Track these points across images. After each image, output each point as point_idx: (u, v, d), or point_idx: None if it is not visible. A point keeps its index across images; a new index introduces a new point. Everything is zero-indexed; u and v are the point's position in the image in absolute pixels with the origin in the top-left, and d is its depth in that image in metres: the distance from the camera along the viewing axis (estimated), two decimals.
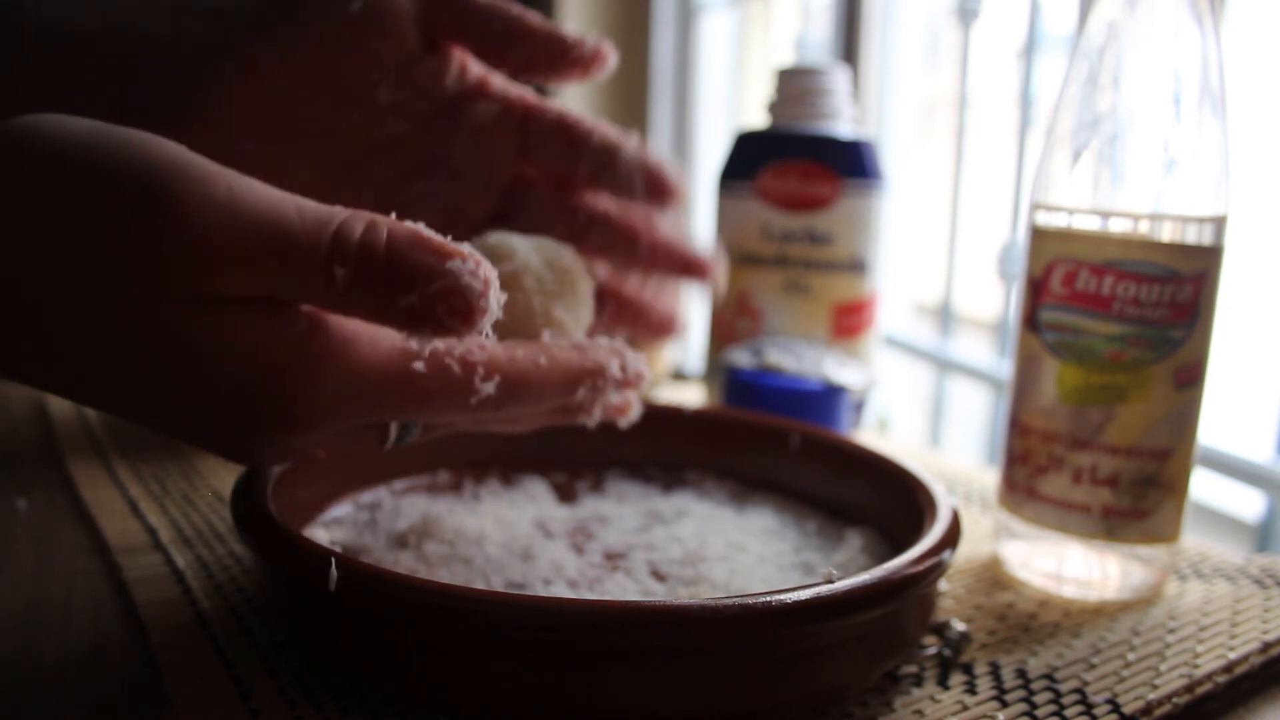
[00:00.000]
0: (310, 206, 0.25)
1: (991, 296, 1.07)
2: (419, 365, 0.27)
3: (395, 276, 0.25)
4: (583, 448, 0.45)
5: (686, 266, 0.41)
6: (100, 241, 0.24)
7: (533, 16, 0.38)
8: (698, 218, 1.59)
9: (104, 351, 0.25)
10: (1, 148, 0.24)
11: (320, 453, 0.30)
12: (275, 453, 0.29)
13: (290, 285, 0.25)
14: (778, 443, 0.43)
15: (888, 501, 0.37)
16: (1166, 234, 0.35)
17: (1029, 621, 0.35)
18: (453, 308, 0.25)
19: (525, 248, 0.34)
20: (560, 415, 0.33)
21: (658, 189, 0.40)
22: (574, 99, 1.71)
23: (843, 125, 0.56)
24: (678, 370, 0.73)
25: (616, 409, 0.34)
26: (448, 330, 0.25)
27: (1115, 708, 0.29)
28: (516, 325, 0.33)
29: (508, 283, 0.32)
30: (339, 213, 0.25)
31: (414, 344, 0.27)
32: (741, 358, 0.51)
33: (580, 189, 0.41)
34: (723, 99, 1.59)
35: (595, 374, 0.31)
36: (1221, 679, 0.32)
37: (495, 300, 0.25)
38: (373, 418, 0.28)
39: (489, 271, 0.25)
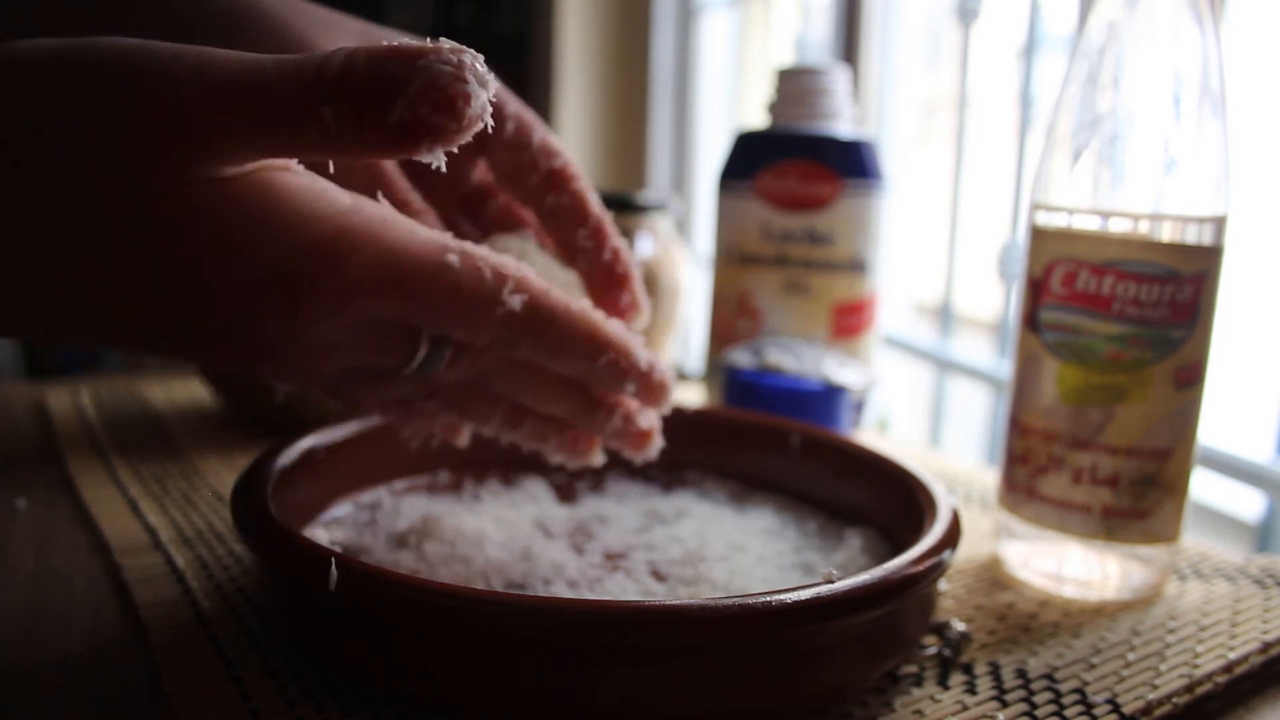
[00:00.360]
0: (286, 56, 0.25)
1: (991, 296, 1.07)
2: (453, 258, 0.27)
3: (379, 92, 0.24)
4: None
5: (618, 281, 0.39)
6: (86, 133, 0.24)
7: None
8: (698, 218, 1.59)
9: (115, 252, 0.25)
10: None
11: (338, 365, 0.29)
12: (300, 348, 0.28)
13: (283, 137, 0.25)
14: (778, 443, 0.43)
15: (888, 501, 0.37)
16: (1166, 234, 0.35)
17: (1029, 621, 0.35)
18: (435, 103, 0.24)
19: (533, 249, 0.34)
20: (580, 406, 0.33)
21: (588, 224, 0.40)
22: (573, 99, 1.71)
23: (843, 125, 0.56)
24: (678, 370, 0.73)
25: (637, 437, 0.34)
26: (442, 131, 0.24)
27: (1115, 708, 0.29)
28: None
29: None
30: (314, 54, 0.25)
31: (450, 239, 0.28)
32: (741, 358, 0.51)
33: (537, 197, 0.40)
34: (723, 99, 1.59)
35: (622, 349, 0.31)
36: (1221, 679, 0.32)
37: (478, 86, 0.24)
38: (401, 307, 0.28)
39: (465, 56, 0.24)
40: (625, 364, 0.31)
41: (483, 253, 0.28)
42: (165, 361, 0.30)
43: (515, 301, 0.29)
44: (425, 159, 0.25)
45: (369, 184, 0.36)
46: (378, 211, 0.27)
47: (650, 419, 0.35)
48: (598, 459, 0.37)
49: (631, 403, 0.35)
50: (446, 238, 0.28)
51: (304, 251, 0.26)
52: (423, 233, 0.28)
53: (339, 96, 0.24)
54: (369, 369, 0.31)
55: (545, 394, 0.33)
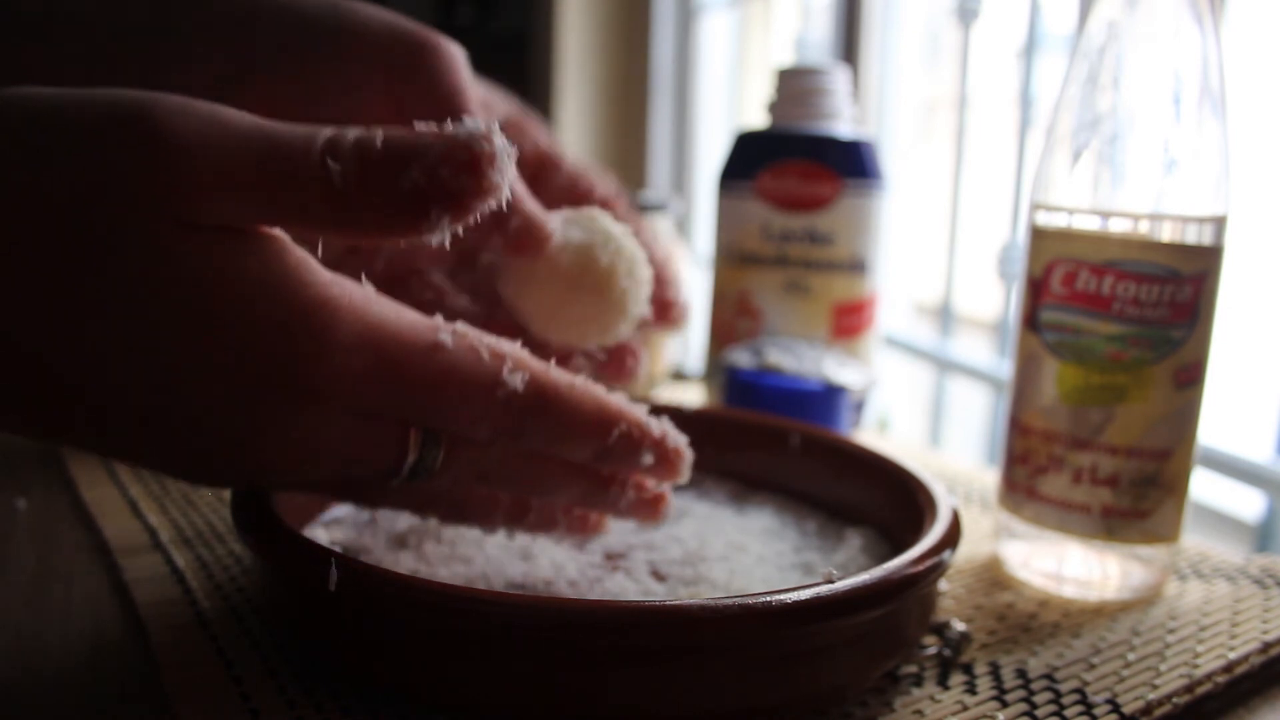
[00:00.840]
0: (298, 125, 0.23)
1: (991, 296, 1.07)
2: (445, 337, 0.26)
3: (393, 157, 0.22)
4: None
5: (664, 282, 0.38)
6: (84, 174, 0.22)
7: None
8: (698, 218, 1.59)
9: (95, 306, 0.22)
10: None
11: (323, 471, 0.26)
12: (279, 449, 0.25)
13: (287, 198, 0.23)
14: (778, 443, 0.43)
15: (888, 501, 0.37)
16: (1166, 234, 0.35)
17: (1029, 621, 0.35)
18: (458, 163, 0.22)
19: (609, 220, 0.34)
20: (590, 488, 0.31)
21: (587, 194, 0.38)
22: (573, 99, 1.71)
23: (843, 125, 0.56)
24: (678, 370, 0.73)
25: (652, 505, 0.32)
26: (461, 194, 0.23)
27: (1115, 708, 0.29)
28: (595, 286, 0.33)
29: (590, 253, 0.33)
30: (326, 127, 0.23)
31: (440, 320, 0.26)
32: (741, 358, 0.51)
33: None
34: (723, 99, 1.59)
35: (634, 420, 0.29)
36: (1221, 679, 0.32)
37: (505, 154, 0.23)
38: (390, 393, 0.25)
39: (489, 121, 0.23)
40: (639, 435, 0.29)
41: (476, 332, 0.26)
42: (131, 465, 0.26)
43: (517, 380, 0.26)
44: (431, 236, 0.23)
45: (401, 274, 0.34)
46: (360, 289, 0.25)
47: (663, 485, 0.33)
48: (606, 529, 0.35)
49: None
50: (437, 318, 0.26)
51: (282, 318, 0.23)
52: (409, 312, 0.26)
53: (350, 154, 0.23)
54: (354, 478, 0.28)
55: (552, 484, 0.30)
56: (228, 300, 0.23)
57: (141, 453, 0.25)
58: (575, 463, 0.30)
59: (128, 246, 0.22)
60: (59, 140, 0.22)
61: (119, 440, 0.25)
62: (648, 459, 0.30)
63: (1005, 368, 0.89)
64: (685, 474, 0.31)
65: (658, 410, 0.43)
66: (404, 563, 0.34)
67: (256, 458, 0.25)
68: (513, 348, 0.27)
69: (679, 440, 0.31)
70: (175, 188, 0.22)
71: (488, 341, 0.27)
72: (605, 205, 0.37)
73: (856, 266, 0.55)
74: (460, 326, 0.26)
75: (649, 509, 0.33)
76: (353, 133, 0.23)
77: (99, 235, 0.22)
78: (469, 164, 0.23)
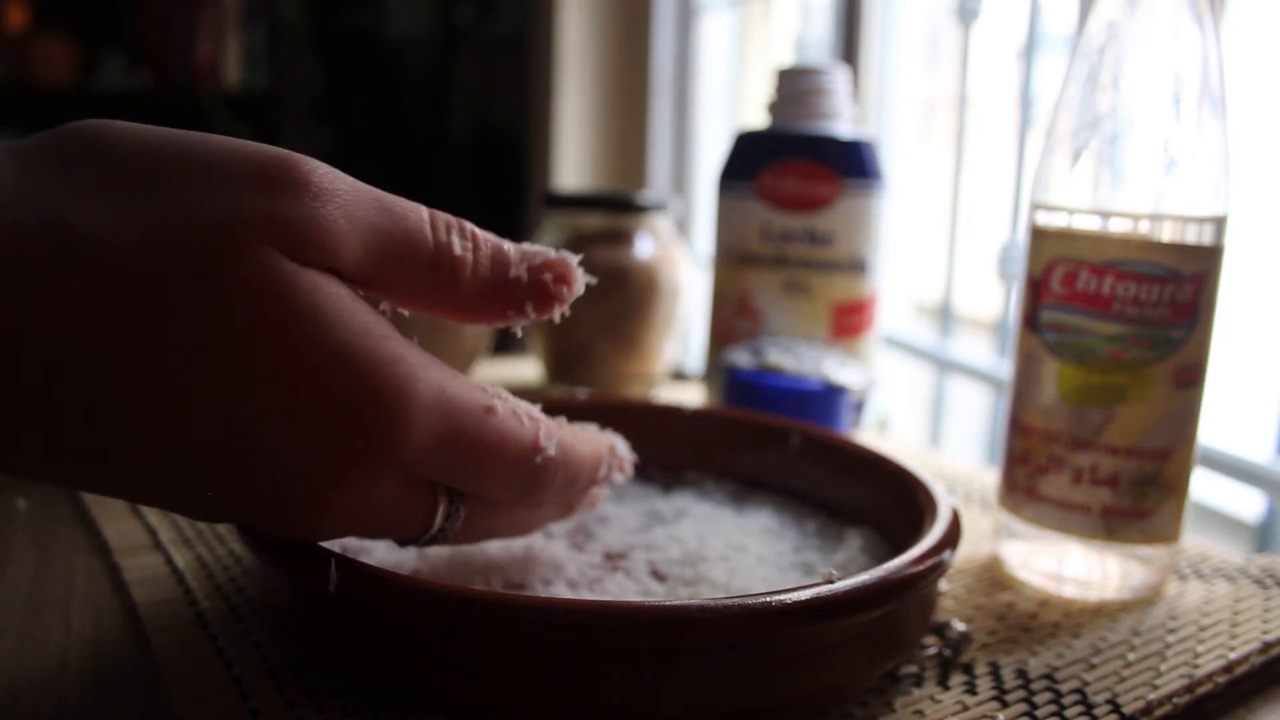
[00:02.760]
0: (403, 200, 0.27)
1: (991, 296, 1.07)
2: (497, 402, 0.27)
3: (514, 255, 0.28)
4: None
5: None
6: (227, 208, 0.23)
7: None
8: (698, 218, 1.59)
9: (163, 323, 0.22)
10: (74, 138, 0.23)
11: (357, 532, 0.27)
12: (341, 510, 0.25)
13: (398, 245, 0.26)
14: (778, 443, 0.43)
15: (888, 501, 0.37)
16: (1166, 234, 0.35)
17: (1029, 621, 0.35)
18: (558, 275, 0.28)
19: None
20: (563, 510, 0.33)
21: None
22: (573, 99, 1.71)
23: (843, 125, 0.56)
24: (678, 370, 0.73)
25: (590, 502, 0.35)
26: (555, 296, 0.28)
27: (1115, 708, 0.29)
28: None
29: None
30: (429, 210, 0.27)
31: (488, 395, 0.27)
32: (741, 358, 0.51)
33: None
34: (723, 99, 1.59)
35: (611, 451, 0.33)
36: (1221, 679, 0.32)
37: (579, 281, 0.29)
38: (443, 464, 0.26)
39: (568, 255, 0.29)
40: (614, 462, 0.33)
41: (512, 397, 0.28)
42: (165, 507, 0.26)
43: (551, 446, 0.28)
44: (512, 323, 0.28)
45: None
46: (430, 360, 0.26)
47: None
48: None
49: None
50: (484, 384, 0.27)
51: (375, 384, 0.24)
52: (466, 383, 0.27)
53: (480, 241, 0.27)
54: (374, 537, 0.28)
55: (538, 523, 0.33)
56: (328, 349, 0.23)
57: (191, 500, 0.25)
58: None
59: (248, 280, 0.22)
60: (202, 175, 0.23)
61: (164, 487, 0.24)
62: (619, 478, 0.34)
63: (1005, 368, 0.89)
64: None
65: (658, 410, 0.43)
66: (404, 563, 0.34)
67: (323, 516, 0.25)
68: (537, 411, 0.29)
69: (626, 449, 0.34)
70: (314, 225, 0.23)
71: (524, 407, 0.28)
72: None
73: (856, 266, 0.55)
74: (502, 391, 0.28)
75: (589, 505, 0.35)
76: (468, 226, 0.27)
77: (224, 268, 0.22)
78: (566, 278, 0.29)
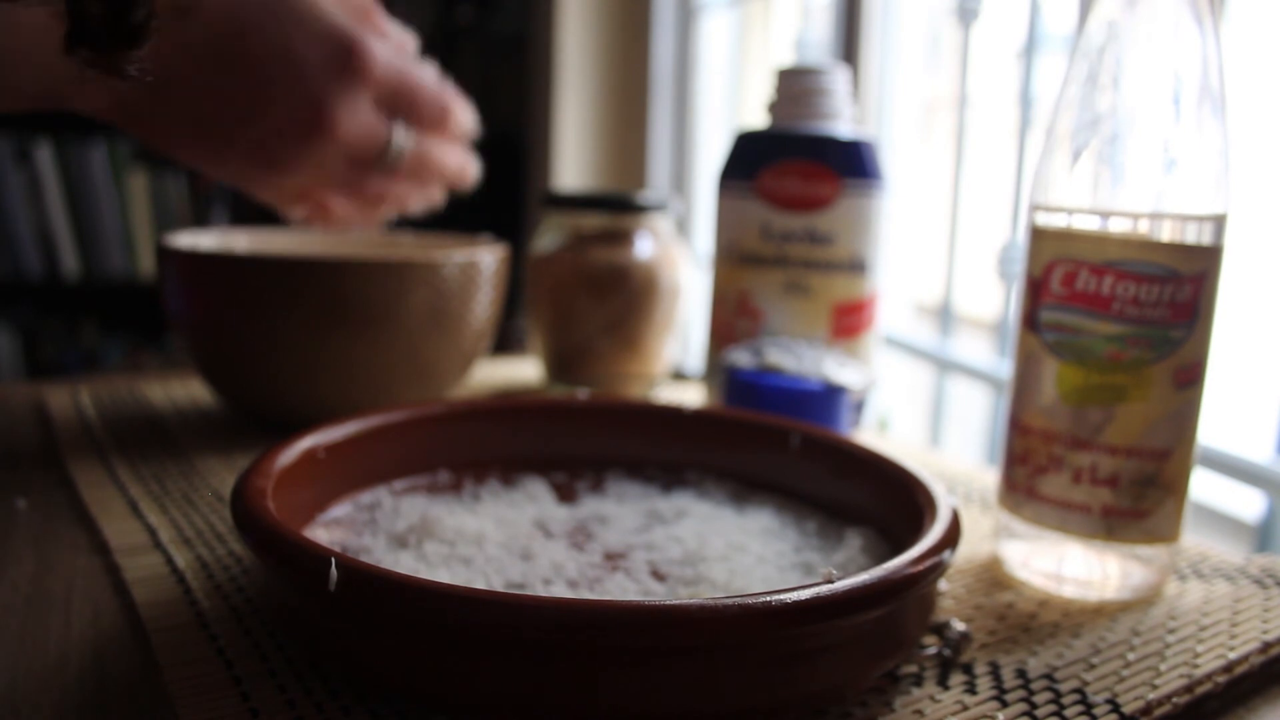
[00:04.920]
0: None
1: (991, 296, 1.07)
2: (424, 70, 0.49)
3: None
4: (583, 447, 0.45)
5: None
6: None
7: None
8: (698, 218, 1.59)
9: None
10: None
11: (358, 148, 0.45)
12: (342, 113, 0.43)
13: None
14: (778, 443, 0.43)
15: (888, 501, 0.37)
16: (1166, 234, 0.35)
17: (1029, 621, 0.35)
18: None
19: None
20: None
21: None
22: (573, 99, 1.71)
23: (843, 125, 0.56)
24: (678, 370, 0.73)
25: (457, 172, 0.52)
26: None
27: (1115, 708, 0.29)
28: None
29: None
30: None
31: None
32: (741, 358, 0.51)
33: None
34: (723, 99, 1.59)
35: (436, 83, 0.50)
36: (1221, 679, 0.32)
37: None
38: (394, 86, 0.46)
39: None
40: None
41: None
42: (190, 162, 0.48)
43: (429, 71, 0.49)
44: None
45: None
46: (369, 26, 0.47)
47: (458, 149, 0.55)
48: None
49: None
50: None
51: (342, 32, 0.43)
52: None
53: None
54: (356, 160, 0.46)
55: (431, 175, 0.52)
56: (325, 20, 0.44)
57: (192, 141, 0.46)
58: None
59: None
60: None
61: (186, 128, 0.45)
62: (449, 158, 0.53)
63: (1005, 368, 0.89)
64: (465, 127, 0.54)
65: (658, 410, 0.43)
66: (404, 563, 0.34)
67: (332, 122, 0.44)
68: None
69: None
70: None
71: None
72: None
73: (856, 266, 0.55)
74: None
75: (458, 177, 0.55)
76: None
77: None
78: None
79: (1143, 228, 0.35)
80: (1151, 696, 0.30)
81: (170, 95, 0.42)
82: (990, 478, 0.51)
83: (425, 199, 0.55)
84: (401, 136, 0.45)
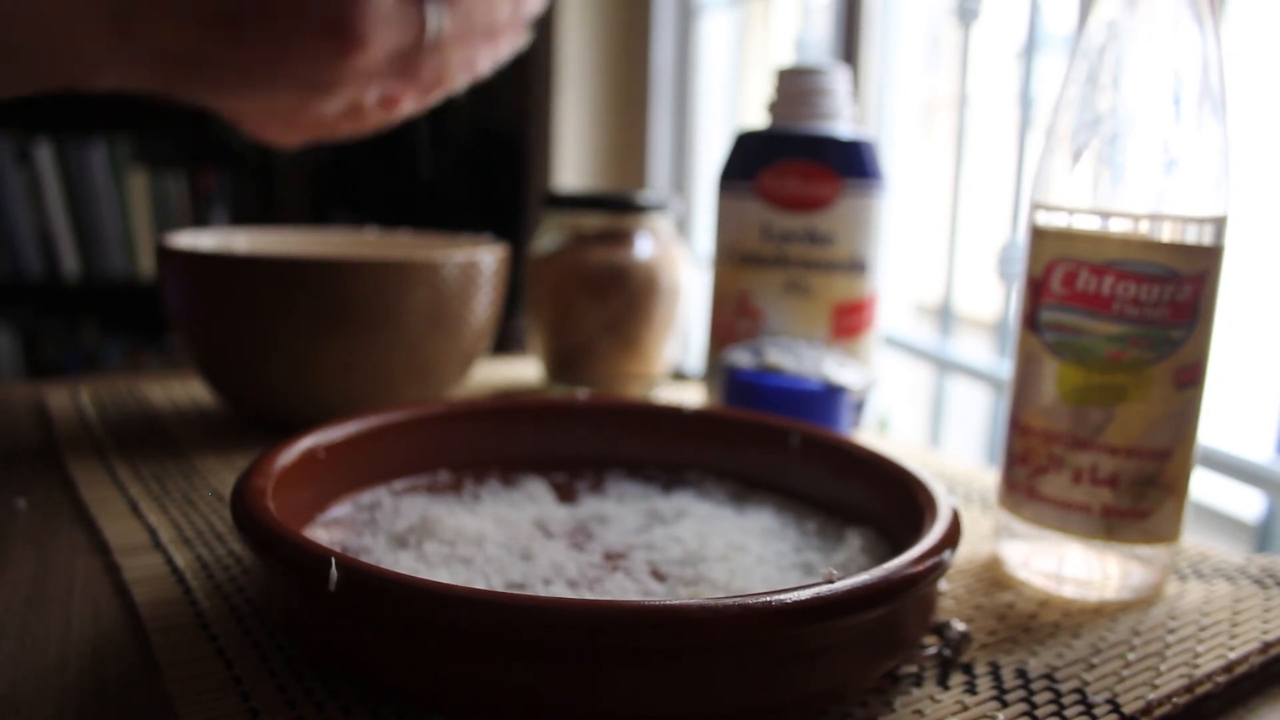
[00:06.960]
0: None
1: (991, 296, 1.07)
2: None
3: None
4: (583, 447, 0.45)
5: None
6: None
7: None
8: (698, 218, 1.59)
9: None
10: None
11: (392, 39, 0.42)
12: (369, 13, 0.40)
13: None
14: (778, 443, 0.43)
15: (888, 501, 0.37)
16: (1166, 234, 0.35)
17: (1029, 621, 0.35)
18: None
19: None
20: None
21: None
22: (573, 99, 1.71)
23: (843, 125, 0.56)
24: (678, 370, 0.73)
25: (511, 13, 0.47)
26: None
27: (1115, 708, 0.29)
28: None
29: None
30: None
31: None
32: (741, 358, 0.51)
33: None
34: (723, 99, 1.59)
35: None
36: (1221, 679, 0.32)
37: None
38: None
39: None
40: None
41: None
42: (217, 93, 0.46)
43: None
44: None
45: None
46: None
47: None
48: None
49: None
50: None
51: None
52: None
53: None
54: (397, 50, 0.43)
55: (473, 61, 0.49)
56: None
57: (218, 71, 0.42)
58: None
59: None
60: None
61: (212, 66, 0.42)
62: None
63: (1005, 368, 0.89)
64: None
65: (658, 410, 0.43)
66: (404, 563, 0.34)
67: (359, 40, 0.41)
68: None
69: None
70: None
71: None
72: None
73: (856, 266, 0.55)
74: None
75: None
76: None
77: None
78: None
79: (1143, 228, 0.35)
80: (1151, 696, 0.30)
81: (207, 40, 0.41)
82: (990, 478, 0.51)
83: (493, 56, 0.52)
84: (434, 13, 0.44)
